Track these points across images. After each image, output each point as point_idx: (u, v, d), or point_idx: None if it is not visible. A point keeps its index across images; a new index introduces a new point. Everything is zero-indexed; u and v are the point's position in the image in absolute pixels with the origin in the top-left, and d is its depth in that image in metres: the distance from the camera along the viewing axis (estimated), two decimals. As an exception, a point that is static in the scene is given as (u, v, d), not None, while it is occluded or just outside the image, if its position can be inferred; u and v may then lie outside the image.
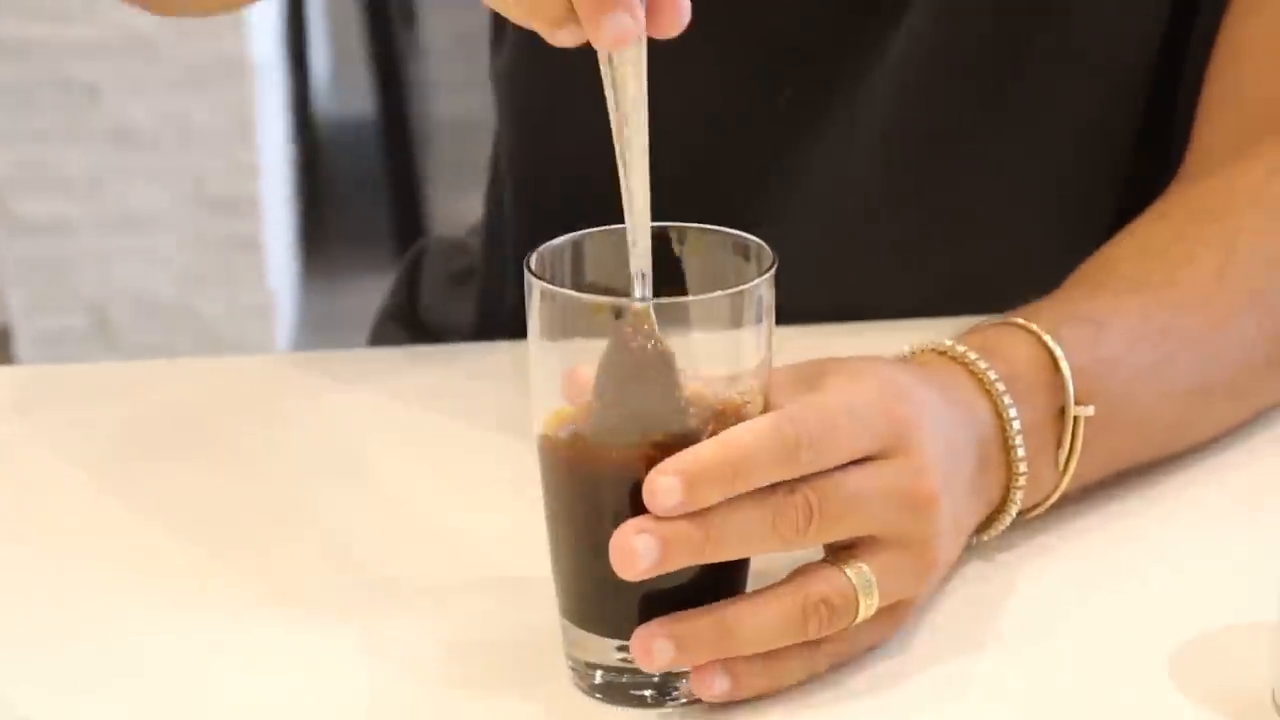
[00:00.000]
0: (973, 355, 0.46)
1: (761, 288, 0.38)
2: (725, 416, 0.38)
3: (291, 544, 0.47)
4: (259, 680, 0.41)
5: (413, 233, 1.98)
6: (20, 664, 0.42)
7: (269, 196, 1.78)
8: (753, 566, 0.40)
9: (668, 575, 0.37)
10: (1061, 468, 0.48)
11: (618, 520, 0.36)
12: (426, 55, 2.53)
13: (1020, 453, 0.46)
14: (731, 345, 0.38)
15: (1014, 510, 0.47)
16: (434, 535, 0.47)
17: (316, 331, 1.93)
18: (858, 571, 0.39)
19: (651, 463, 0.36)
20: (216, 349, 1.69)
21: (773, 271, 0.38)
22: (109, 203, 1.70)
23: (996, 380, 0.46)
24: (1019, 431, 0.45)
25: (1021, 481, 0.46)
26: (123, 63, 1.66)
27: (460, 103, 2.36)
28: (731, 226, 0.41)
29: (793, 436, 0.37)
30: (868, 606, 0.39)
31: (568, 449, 0.38)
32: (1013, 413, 0.46)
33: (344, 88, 2.47)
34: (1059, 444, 0.48)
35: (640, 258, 0.38)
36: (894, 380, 0.43)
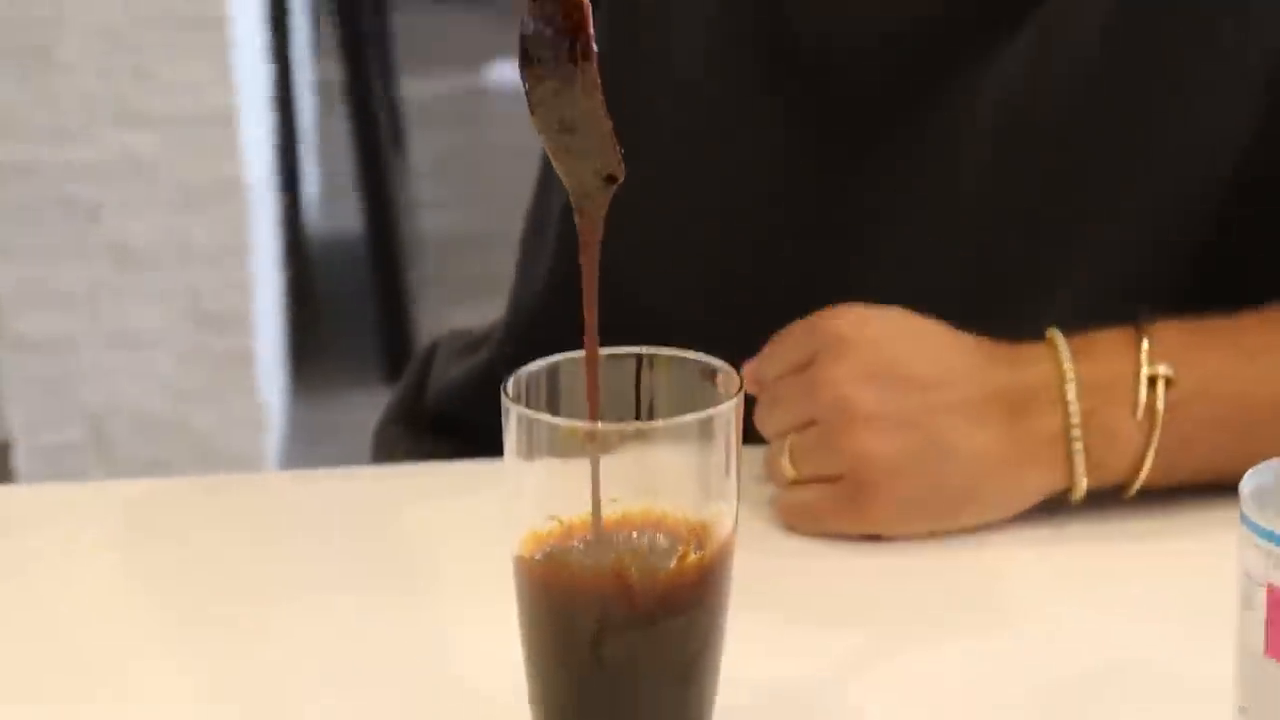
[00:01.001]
0: (1058, 336, 0.53)
1: (728, 412, 0.39)
2: (695, 538, 0.39)
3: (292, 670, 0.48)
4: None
5: (400, 345, 2.07)
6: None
7: (261, 312, 1.84)
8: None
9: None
10: (1146, 436, 0.51)
11: (591, 642, 0.38)
12: (414, 176, 2.61)
13: (1074, 405, 0.50)
14: (700, 467, 0.39)
15: (1082, 476, 0.51)
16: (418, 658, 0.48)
17: (307, 443, 1.96)
18: (780, 445, 0.53)
19: (623, 584, 0.37)
20: (209, 461, 1.73)
21: (740, 395, 0.40)
22: (108, 319, 1.75)
23: (1062, 345, 0.52)
24: (1073, 381, 0.51)
25: (1077, 433, 0.50)
26: (122, 183, 1.73)
27: (445, 220, 2.45)
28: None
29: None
30: (786, 468, 0.53)
31: (542, 570, 0.39)
32: (1068, 365, 0.51)
33: (333, 206, 2.54)
34: (1135, 405, 0.51)
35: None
36: (894, 317, 0.54)
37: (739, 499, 0.40)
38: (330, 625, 0.50)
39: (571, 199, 0.40)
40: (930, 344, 0.53)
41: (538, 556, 0.39)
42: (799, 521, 0.54)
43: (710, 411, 0.39)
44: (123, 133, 1.67)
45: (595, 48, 0.36)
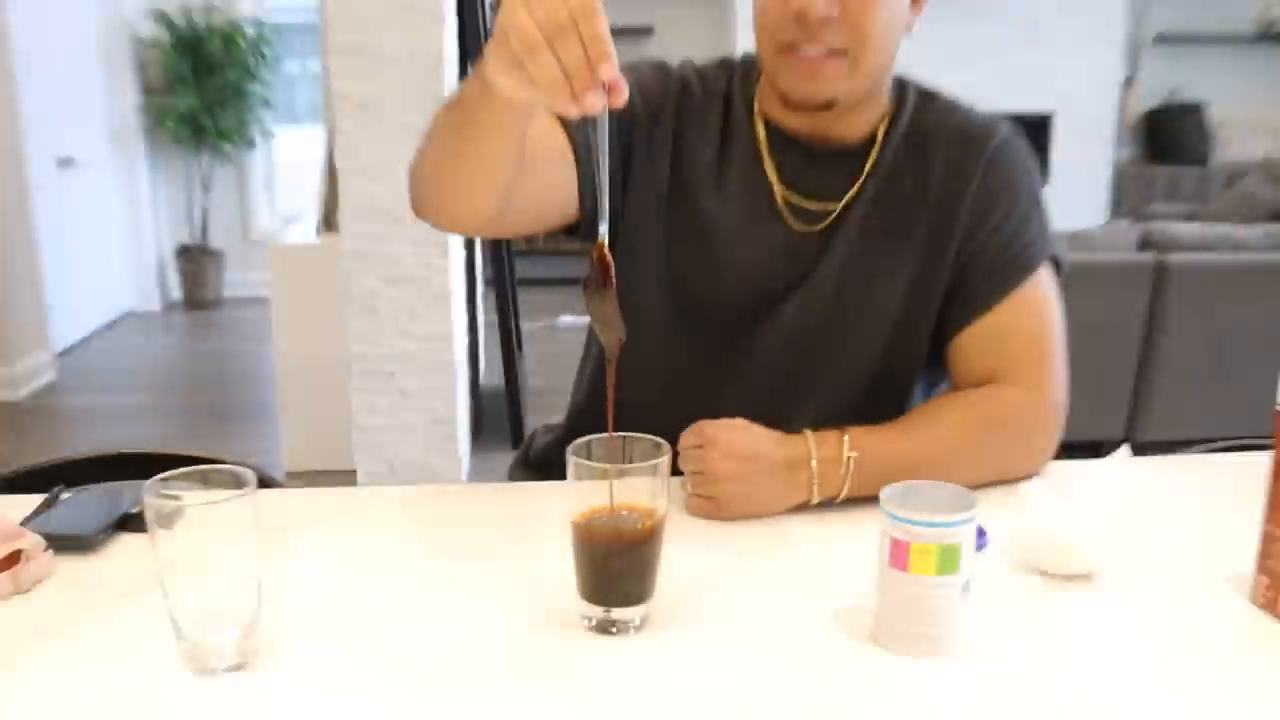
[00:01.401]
0: (809, 434, 1.10)
1: (663, 463, 0.90)
2: (648, 515, 0.89)
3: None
4: None
5: (519, 432, 4.08)
6: None
7: (460, 418, 3.65)
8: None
9: None
10: (842, 480, 1.10)
11: (604, 556, 0.89)
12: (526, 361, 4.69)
13: (815, 467, 1.09)
14: (651, 485, 0.89)
15: (816, 494, 1.11)
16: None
17: (480, 474, 3.81)
18: (687, 478, 1.12)
19: (618, 534, 0.88)
20: (436, 480, 3.34)
21: (668, 455, 0.90)
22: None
23: (810, 438, 1.10)
24: (816, 458, 1.09)
25: (815, 482, 1.10)
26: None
27: (537, 381, 4.58)
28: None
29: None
30: (689, 490, 1.11)
31: (584, 528, 0.90)
32: (813, 449, 1.09)
33: (492, 373, 4.61)
34: (842, 468, 1.10)
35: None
36: (739, 427, 1.12)
37: (669, 499, 0.91)
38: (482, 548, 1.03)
39: (606, 353, 0.94)
40: (753, 437, 1.10)
41: (582, 522, 0.90)
42: (694, 512, 1.13)
43: (655, 462, 0.90)
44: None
45: (614, 281, 0.91)
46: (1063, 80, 6.05)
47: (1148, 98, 6.48)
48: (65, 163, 5.46)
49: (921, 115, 1.27)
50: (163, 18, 6.00)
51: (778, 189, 1.25)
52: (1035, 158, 1.30)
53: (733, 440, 1.10)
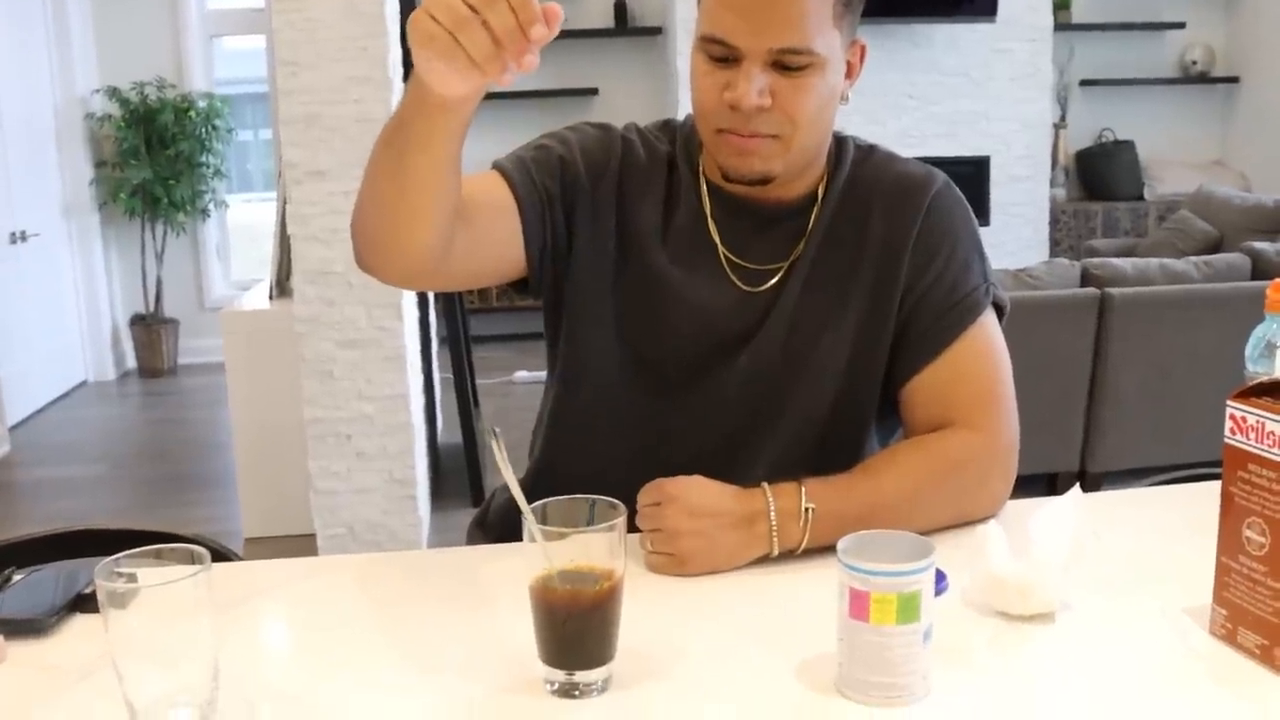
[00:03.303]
0: (766, 488, 1.11)
1: (620, 524, 0.90)
2: (606, 576, 0.90)
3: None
4: None
5: (479, 492, 4.04)
6: None
7: (420, 479, 3.06)
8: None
9: None
10: (801, 531, 1.10)
11: (562, 619, 0.88)
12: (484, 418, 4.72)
13: (774, 520, 1.09)
14: (609, 543, 0.90)
15: (776, 547, 1.11)
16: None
17: (439, 532, 3.66)
18: (646, 536, 1.12)
19: (575, 595, 0.88)
20: (395, 544, 3.41)
21: (624, 517, 0.91)
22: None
23: (768, 490, 1.10)
24: (774, 511, 1.09)
25: (774, 534, 1.10)
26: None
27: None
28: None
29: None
30: (647, 546, 1.11)
31: (541, 588, 0.90)
32: (771, 502, 1.09)
33: (449, 432, 4.48)
34: (800, 519, 1.09)
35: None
36: (696, 484, 1.12)
37: (626, 557, 0.91)
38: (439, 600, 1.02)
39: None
40: (711, 492, 1.10)
41: (539, 585, 0.90)
42: (654, 568, 1.12)
43: (611, 522, 0.90)
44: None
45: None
46: (997, 125, 6.19)
47: (1079, 138, 6.63)
48: (18, 237, 5.42)
49: (859, 170, 1.30)
50: (116, 94, 6.00)
51: (721, 250, 1.27)
52: (969, 207, 1.33)
53: (690, 497, 1.11)
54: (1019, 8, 6.01)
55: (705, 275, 1.27)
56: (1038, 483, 3.76)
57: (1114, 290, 3.65)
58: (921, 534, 1.04)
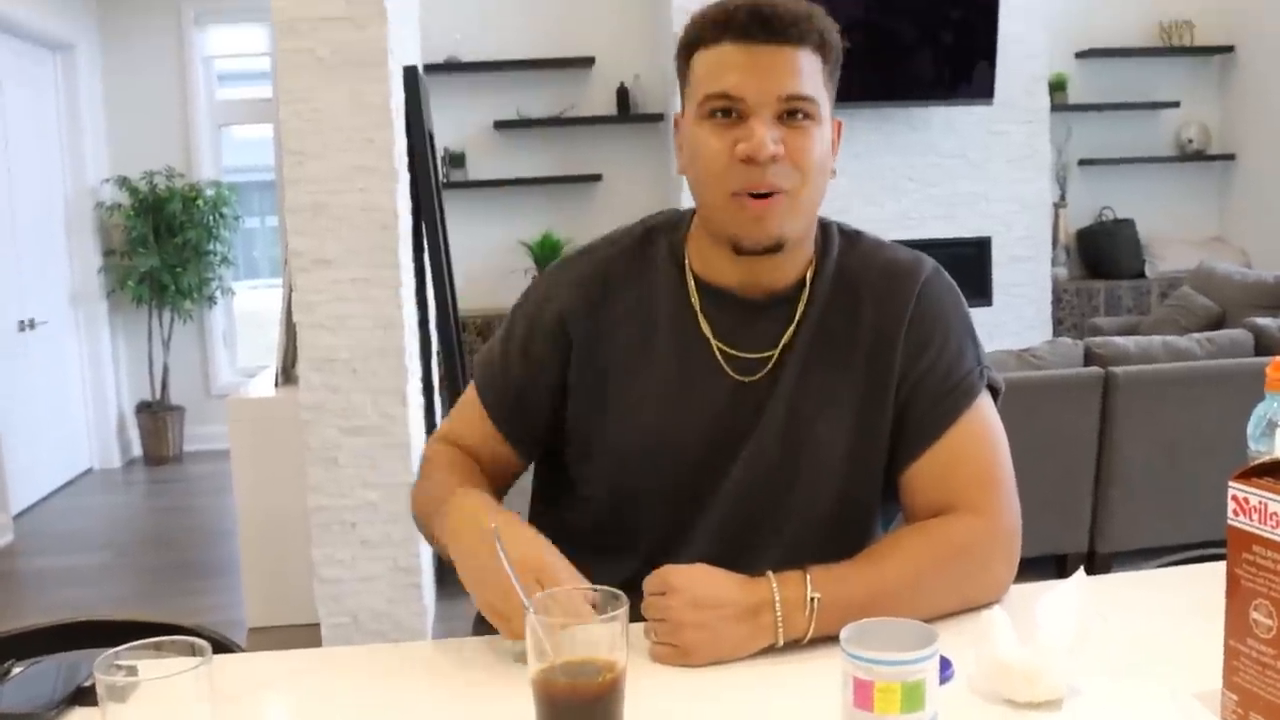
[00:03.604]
0: (772, 577, 1.09)
1: (620, 618, 0.90)
2: (608, 668, 0.89)
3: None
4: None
5: None
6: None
7: (425, 566, 3.12)
8: None
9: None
10: (807, 621, 1.09)
11: (563, 713, 0.88)
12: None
13: (779, 610, 1.08)
14: (610, 635, 0.90)
15: (781, 637, 1.10)
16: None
17: (445, 621, 3.27)
18: (651, 626, 1.10)
19: (575, 689, 0.88)
20: (401, 634, 3.28)
21: (625, 608, 0.90)
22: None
23: (774, 579, 1.09)
24: (779, 601, 1.07)
25: (780, 625, 1.09)
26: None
27: None
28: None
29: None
30: (653, 636, 1.09)
31: (542, 680, 0.89)
32: (776, 591, 1.08)
33: None
34: (806, 609, 1.09)
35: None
36: (701, 573, 1.12)
37: (629, 649, 0.91)
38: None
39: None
40: (716, 582, 1.10)
41: (541, 678, 0.89)
42: (659, 660, 1.10)
43: (613, 614, 0.90)
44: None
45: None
46: (996, 205, 6.24)
47: (1079, 217, 6.69)
48: (26, 325, 5.46)
49: (847, 256, 1.31)
50: (125, 183, 6.09)
51: (714, 343, 1.28)
52: (958, 291, 1.33)
53: (695, 588, 1.10)
54: (1015, 90, 6.10)
55: (697, 373, 1.28)
56: (1046, 564, 3.72)
57: (1118, 369, 3.65)
58: (926, 620, 1.02)
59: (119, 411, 6.43)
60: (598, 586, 0.93)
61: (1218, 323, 4.79)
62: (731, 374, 1.28)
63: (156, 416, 6.34)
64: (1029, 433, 3.61)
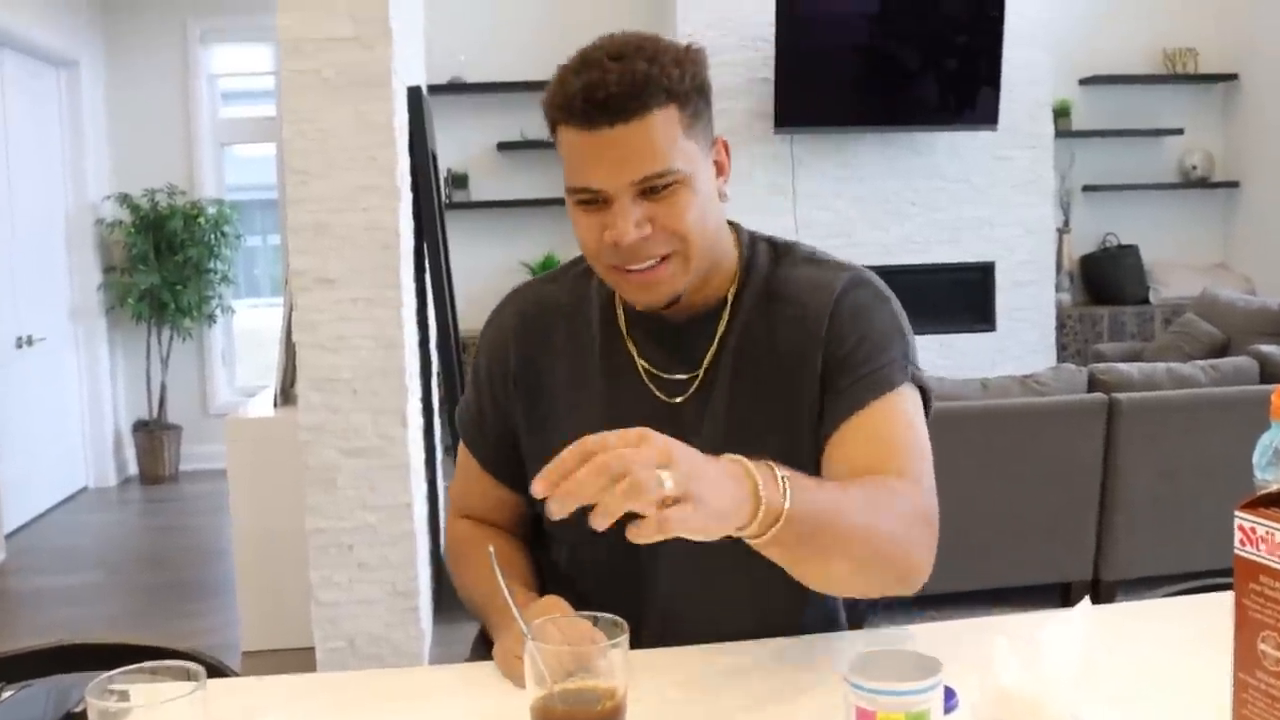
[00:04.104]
0: (748, 460, 0.99)
1: (624, 641, 0.88)
2: (609, 695, 0.88)
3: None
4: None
5: None
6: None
7: (423, 589, 2.80)
8: None
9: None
10: (782, 495, 0.98)
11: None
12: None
13: (758, 478, 0.97)
14: (609, 663, 0.88)
15: (762, 503, 0.97)
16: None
17: (443, 645, 3.32)
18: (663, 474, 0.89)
19: (573, 717, 0.86)
20: (399, 660, 3.26)
21: (624, 637, 0.89)
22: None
23: (749, 462, 0.98)
24: (756, 473, 0.97)
25: (760, 490, 0.97)
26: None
27: None
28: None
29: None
30: (667, 486, 0.88)
31: (541, 708, 0.88)
32: (754, 470, 0.98)
33: None
34: (779, 488, 0.99)
35: None
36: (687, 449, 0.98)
37: (629, 678, 0.89)
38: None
39: None
40: (705, 458, 0.99)
41: (540, 706, 0.88)
42: (668, 526, 0.88)
43: (616, 641, 0.88)
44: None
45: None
46: (1000, 230, 6.25)
47: (1082, 243, 6.69)
48: (24, 341, 5.45)
49: (773, 272, 1.31)
50: (126, 199, 6.10)
51: (640, 364, 1.30)
52: (889, 299, 1.31)
53: (693, 459, 0.95)
54: (1019, 116, 6.12)
55: (626, 396, 1.29)
56: (1051, 592, 3.70)
57: (1121, 395, 3.64)
58: (873, 549, 1.08)
59: (116, 429, 6.41)
60: (599, 615, 0.91)
61: (1222, 349, 4.78)
62: (659, 395, 1.29)
63: (153, 435, 6.33)
64: (1032, 459, 3.60)
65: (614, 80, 1.14)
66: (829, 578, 1.12)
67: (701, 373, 1.28)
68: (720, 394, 1.27)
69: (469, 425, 1.42)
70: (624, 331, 1.31)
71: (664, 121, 1.17)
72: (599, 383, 1.31)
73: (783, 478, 1.01)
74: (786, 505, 0.98)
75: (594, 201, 1.20)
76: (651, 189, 1.18)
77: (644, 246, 1.19)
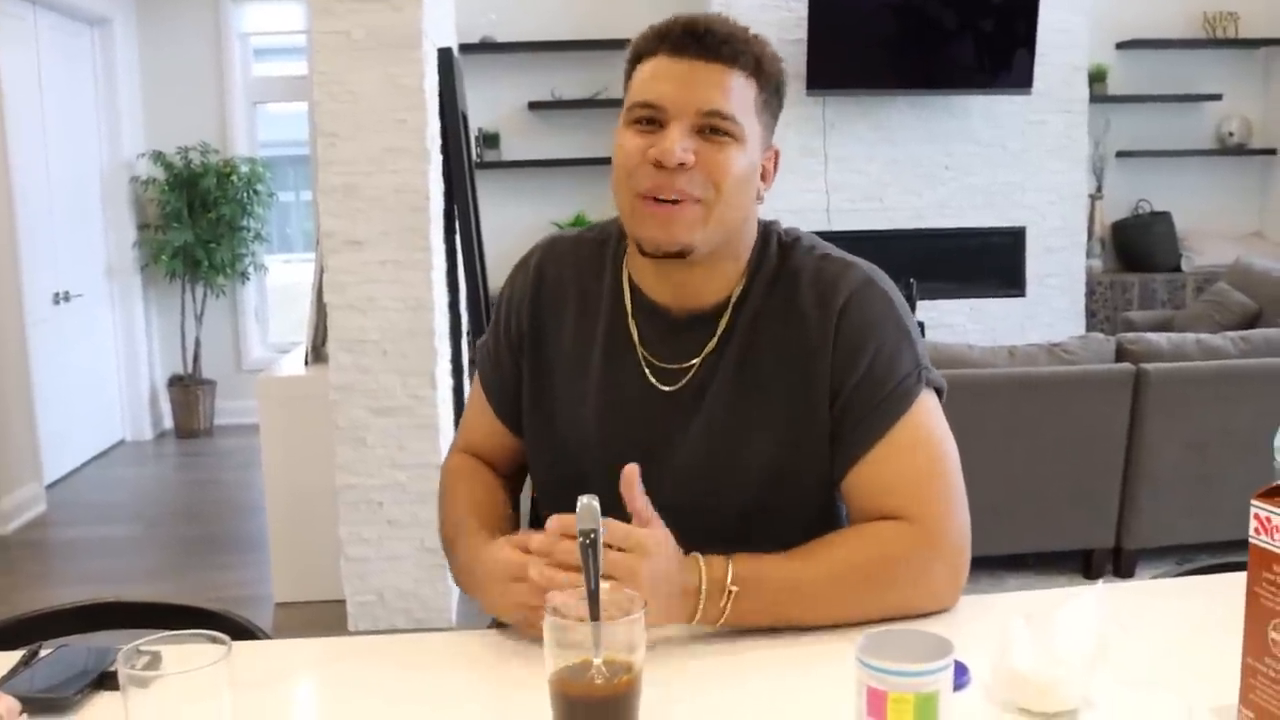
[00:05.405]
0: (701, 560, 1.10)
1: (639, 617, 0.90)
2: (625, 668, 0.90)
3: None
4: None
5: None
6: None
7: None
8: None
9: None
10: (721, 611, 1.11)
11: (582, 713, 0.89)
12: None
13: (704, 590, 1.10)
14: (628, 636, 0.90)
15: (699, 614, 1.12)
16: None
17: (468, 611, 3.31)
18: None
19: (593, 688, 0.89)
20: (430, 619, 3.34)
21: (642, 612, 0.91)
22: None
23: (702, 561, 1.10)
24: (705, 586, 1.09)
25: (704, 602, 1.11)
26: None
27: None
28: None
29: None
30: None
31: (560, 680, 0.90)
32: (705, 580, 1.10)
33: None
34: (723, 599, 1.11)
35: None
36: (666, 544, 1.11)
37: (646, 652, 0.92)
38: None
39: None
40: (670, 556, 1.11)
41: (558, 678, 0.90)
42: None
43: (633, 616, 0.90)
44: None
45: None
46: (1033, 196, 6.19)
47: (1115, 210, 6.62)
48: (61, 297, 5.53)
49: (781, 266, 1.31)
50: (160, 157, 6.14)
51: (640, 350, 1.31)
52: (893, 296, 1.30)
53: (658, 561, 1.10)
54: (1054, 80, 6.04)
55: (625, 378, 1.31)
56: (1074, 559, 3.71)
57: (1149, 366, 3.62)
58: (850, 624, 1.11)
59: (151, 384, 6.50)
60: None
61: (1254, 320, 4.73)
62: (655, 383, 1.30)
63: (188, 390, 6.41)
64: (1058, 428, 3.59)
65: (719, 24, 1.22)
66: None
67: (699, 365, 1.29)
68: (715, 389, 1.28)
69: (485, 362, 1.44)
70: (629, 313, 1.32)
71: (743, 85, 1.22)
72: (598, 364, 1.32)
73: (730, 590, 1.13)
74: (721, 622, 1.14)
75: (651, 121, 1.21)
76: (711, 129, 1.20)
77: (680, 177, 1.20)
